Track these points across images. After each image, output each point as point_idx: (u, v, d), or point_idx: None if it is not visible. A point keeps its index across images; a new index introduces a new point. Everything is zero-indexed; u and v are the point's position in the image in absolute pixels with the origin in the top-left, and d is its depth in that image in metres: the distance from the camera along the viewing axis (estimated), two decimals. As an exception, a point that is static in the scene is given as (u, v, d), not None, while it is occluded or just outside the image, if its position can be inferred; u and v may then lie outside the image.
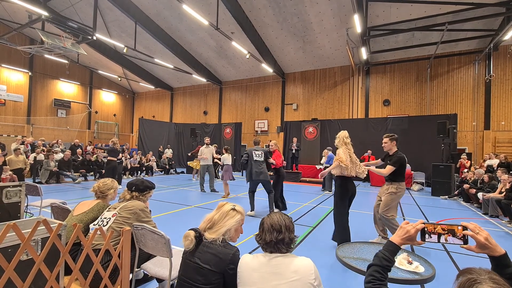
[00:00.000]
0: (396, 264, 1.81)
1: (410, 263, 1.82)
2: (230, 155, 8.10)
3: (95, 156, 11.76)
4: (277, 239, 1.38)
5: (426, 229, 1.15)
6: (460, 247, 1.12)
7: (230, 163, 7.97)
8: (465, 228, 1.10)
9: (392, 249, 1.16)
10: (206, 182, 8.86)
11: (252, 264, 1.38)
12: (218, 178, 11.25)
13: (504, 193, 5.96)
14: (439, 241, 1.14)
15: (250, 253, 1.48)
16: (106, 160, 8.66)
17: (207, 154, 8.50)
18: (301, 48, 14.80)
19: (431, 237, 1.15)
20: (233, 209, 1.64)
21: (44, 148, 10.84)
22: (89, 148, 14.40)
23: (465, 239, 1.10)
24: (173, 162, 14.73)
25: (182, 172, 14.65)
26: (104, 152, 10.25)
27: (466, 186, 7.70)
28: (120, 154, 8.84)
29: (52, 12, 12.59)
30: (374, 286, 1.07)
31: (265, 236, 1.41)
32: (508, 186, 5.98)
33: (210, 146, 8.79)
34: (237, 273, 1.40)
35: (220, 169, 8.12)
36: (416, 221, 1.21)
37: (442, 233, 1.13)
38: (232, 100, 19.78)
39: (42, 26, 11.94)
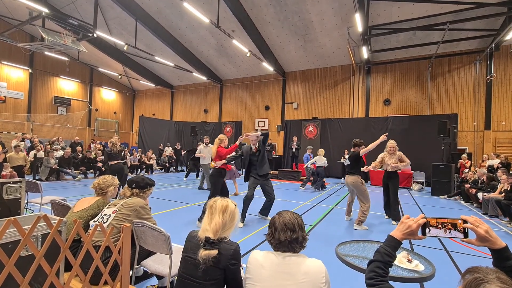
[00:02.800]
0: (396, 262, 1.81)
1: (410, 261, 1.82)
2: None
3: (93, 153, 11.75)
4: (292, 238, 1.37)
5: (427, 223, 1.15)
6: (460, 240, 1.11)
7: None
8: (465, 221, 1.10)
9: (394, 244, 1.16)
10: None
11: (262, 262, 1.37)
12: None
13: (503, 194, 5.96)
14: (440, 235, 1.14)
15: (250, 250, 1.47)
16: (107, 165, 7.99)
17: (206, 153, 8.32)
18: (302, 47, 14.77)
19: (432, 232, 1.14)
20: (235, 205, 1.67)
21: (40, 145, 10.81)
22: (93, 146, 14.38)
23: (465, 233, 1.10)
24: (173, 160, 14.73)
25: (182, 171, 14.65)
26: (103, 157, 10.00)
27: (466, 186, 7.71)
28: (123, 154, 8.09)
29: (53, 9, 12.58)
30: (376, 282, 1.06)
31: (279, 235, 1.39)
32: (507, 186, 5.97)
33: (209, 145, 8.64)
34: (246, 268, 1.40)
35: None
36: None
37: (443, 228, 1.13)
38: (233, 99, 19.76)
39: (42, 23, 11.92)
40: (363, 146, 5.22)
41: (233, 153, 5.18)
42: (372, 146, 5.02)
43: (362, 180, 5.04)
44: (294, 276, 1.29)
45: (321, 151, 9.39)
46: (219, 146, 5.24)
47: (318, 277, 1.29)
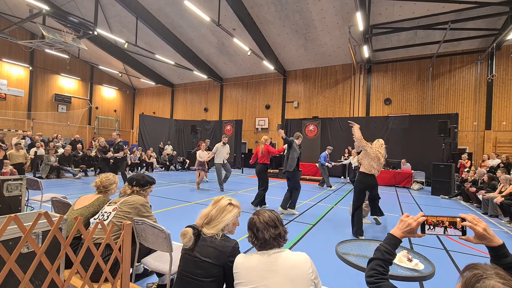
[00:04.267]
0: (395, 261, 1.81)
1: (410, 260, 1.82)
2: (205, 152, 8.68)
3: (94, 151, 11.73)
4: (275, 235, 1.40)
5: (426, 221, 1.17)
6: (459, 238, 1.13)
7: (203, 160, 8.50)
8: (463, 220, 1.12)
9: (394, 242, 1.17)
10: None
11: (247, 263, 1.37)
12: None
13: (503, 193, 5.95)
14: (438, 233, 1.16)
15: (247, 250, 1.48)
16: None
17: (224, 153, 8.35)
18: (302, 45, 14.74)
19: (431, 230, 1.16)
20: (230, 204, 1.65)
21: (41, 143, 10.77)
22: (94, 143, 14.35)
23: (463, 231, 1.12)
24: (173, 159, 14.73)
25: (183, 169, 14.66)
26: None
27: (467, 184, 7.71)
28: (123, 152, 8.66)
29: (53, 7, 12.57)
30: (377, 280, 1.07)
31: (263, 234, 1.40)
32: (508, 186, 5.96)
33: (226, 144, 8.53)
34: (235, 274, 1.39)
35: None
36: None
37: (442, 226, 1.15)
38: (233, 97, 19.74)
39: (43, 20, 11.89)
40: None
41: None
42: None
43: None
44: (283, 272, 1.30)
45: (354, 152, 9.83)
46: (266, 145, 6.01)
47: (305, 268, 1.32)
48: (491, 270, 0.77)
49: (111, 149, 8.67)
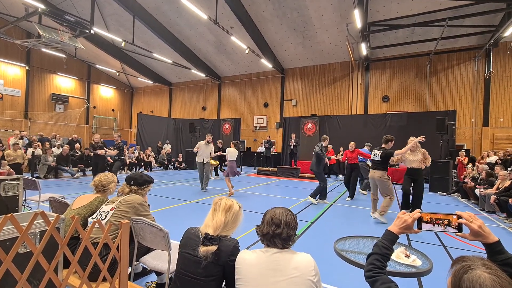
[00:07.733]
0: (393, 257, 1.82)
1: (407, 256, 1.83)
2: (236, 150, 7.54)
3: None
4: (274, 233, 1.37)
5: (422, 218, 1.19)
6: (455, 234, 1.16)
7: (235, 159, 7.43)
8: (459, 217, 1.14)
9: (391, 238, 1.20)
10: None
11: (250, 260, 1.36)
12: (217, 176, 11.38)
13: (501, 189, 5.97)
14: (435, 230, 1.18)
15: (247, 248, 1.48)
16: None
17: (207, 151, 7.86)
18: (300, 43, 14.71)
19: (427, 226, 1.18)
20: (240, 207, 1.69)
21: (38, 143, 10.70)
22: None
23: (459, 228, 1.14)
24: (173, 159, 14.71)
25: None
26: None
27: (467, 179, 7.75)
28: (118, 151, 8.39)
29: (49, 5, 12.46)
30: (375, 274, 1.09)
31: (263, 227, 1.41)
32: (508, 183, 5.96)
33: (210, 144, 8.02)
34: (236, 269, 1.39)
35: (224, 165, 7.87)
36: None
37: (438, 222, 1.17)
38: (231, 96, 19.71)
39: (39, 19, 11.81)
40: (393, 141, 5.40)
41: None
42: (406, 149, 5.08)
43: (388, 175, 5.20)
44: (284, 272, 1.29)
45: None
46: (356, 150, 7.62)
47: (308, 270, 1.30)
48: (478, 261, 0.81)
49: (111, 147, 8.21)
